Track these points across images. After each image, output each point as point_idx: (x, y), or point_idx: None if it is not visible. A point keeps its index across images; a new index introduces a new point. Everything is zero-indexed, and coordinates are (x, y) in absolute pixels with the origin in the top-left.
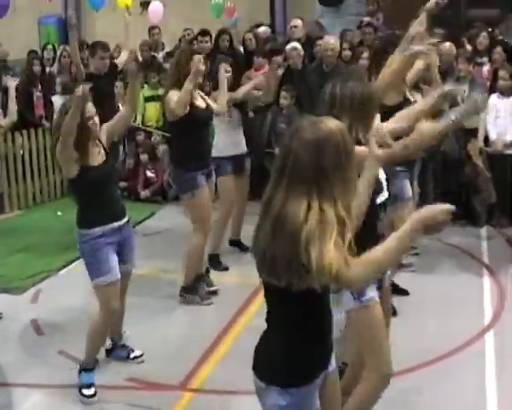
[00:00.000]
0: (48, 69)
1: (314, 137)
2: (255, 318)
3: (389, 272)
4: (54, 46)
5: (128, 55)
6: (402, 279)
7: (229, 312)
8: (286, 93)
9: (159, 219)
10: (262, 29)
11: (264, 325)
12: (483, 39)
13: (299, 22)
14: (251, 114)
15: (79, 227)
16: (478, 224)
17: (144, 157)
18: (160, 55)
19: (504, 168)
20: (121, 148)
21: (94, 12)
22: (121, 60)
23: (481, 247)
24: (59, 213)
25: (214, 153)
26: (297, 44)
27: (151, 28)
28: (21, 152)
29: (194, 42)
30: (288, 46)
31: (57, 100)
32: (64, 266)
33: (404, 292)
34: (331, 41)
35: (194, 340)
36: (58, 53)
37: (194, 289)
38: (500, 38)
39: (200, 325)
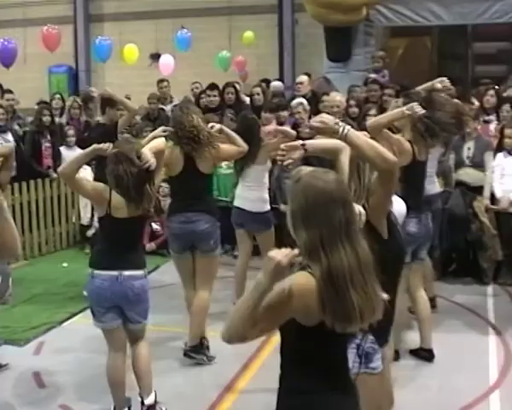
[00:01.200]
0: (56, 119)
1: None
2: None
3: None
4: (62, 96)
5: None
6: (405, 337)
7: (231, 370)
8: None
9: (163, 272)
10: (275, 84)
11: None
12: (490, 97)
13: (305, 79)
14: None
15: (144, 268)
16: (484, 281)
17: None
18: (168, 108)
19: (509, 226)
20: None
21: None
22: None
23: (487, 305)
24: (64, 265)
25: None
26: (303, 100)
27: (159, 81)
28: (28, 202)
29: (203, 95)
30: (294, 102)
31: (65, 151)
32: (68, 318)
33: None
34: (337, 98)
35: (194, 400)
36: (68, 104)
37: (202, 348)
38: (504, 94)
39: (201, 383)
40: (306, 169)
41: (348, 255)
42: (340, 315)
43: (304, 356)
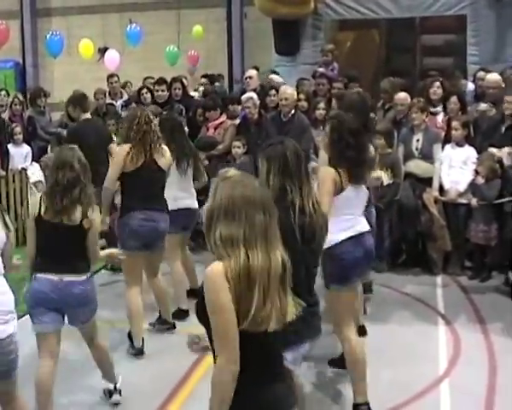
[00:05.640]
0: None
1: None
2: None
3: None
4: (8, 92)
5: None
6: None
7: (186, 363)
8: (239, 142)
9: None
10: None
11: None
12: (437, 89)
13: (253, 73)
14: (205, 163)
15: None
16: (434, 272)
17: None
18: (118, 104)
19: (458, 217)
20: None
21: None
22: None
23: (436, 295)
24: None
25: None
26: (253, 94)
27: (109, 76)
28: None
29: (143, 91)
30: (244, 96)
31: (13, 148)
32: (21, 317)
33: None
34: (288, 91)
35: (145, 396)
36: (9, 99)
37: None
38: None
39: (159, 377)
40: (235, 171)
41: (262, 259)
42: (244, 312)
43: None
